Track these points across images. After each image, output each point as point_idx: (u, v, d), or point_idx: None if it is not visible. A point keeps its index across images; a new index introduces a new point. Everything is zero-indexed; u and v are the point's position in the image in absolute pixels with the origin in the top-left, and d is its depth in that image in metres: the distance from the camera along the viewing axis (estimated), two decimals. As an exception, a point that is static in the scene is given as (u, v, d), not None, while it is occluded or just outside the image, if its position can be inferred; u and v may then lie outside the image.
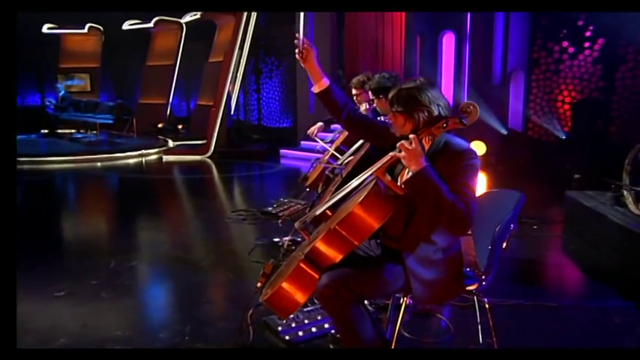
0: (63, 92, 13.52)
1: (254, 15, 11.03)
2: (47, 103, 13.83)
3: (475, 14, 8.40)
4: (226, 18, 11.50)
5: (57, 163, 9.57)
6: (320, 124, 4.24)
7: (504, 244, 2.24)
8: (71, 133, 13.02)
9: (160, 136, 12.39)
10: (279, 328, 2.79)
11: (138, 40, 14.13)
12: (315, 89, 2.34)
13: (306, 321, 2.86)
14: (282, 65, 12.47)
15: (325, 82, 2.32)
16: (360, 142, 3.33)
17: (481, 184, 5.04)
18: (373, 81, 3.28)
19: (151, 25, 13.72)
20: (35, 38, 13.51)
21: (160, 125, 13.05)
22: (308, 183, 3.92)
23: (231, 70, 10.62)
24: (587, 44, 7.68)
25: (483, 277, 2.26)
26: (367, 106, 3.62)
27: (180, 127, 13.42)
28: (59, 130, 12.90)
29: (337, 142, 3.81)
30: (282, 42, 12.11)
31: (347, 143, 3.63)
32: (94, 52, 14.86)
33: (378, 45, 10.44)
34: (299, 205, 5.18)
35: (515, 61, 8.43)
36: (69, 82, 14.63)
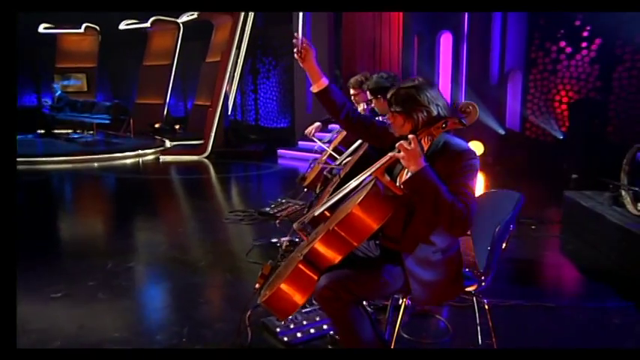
0: (59, 92, 13.47)
1: (251, 15, 11.01)
2: (43, 103, 13.78)
3: (472, 14, 8.40)
4: (223, 18, 11.48)
5: (53, 163, 9.53)
6: (317, 124, 4.23)
7: (504, 245, 2.23)
8: (68, 134, 12.97)
9: (157, 137, 12.35)
10: (278, 330, 2.78)
11: (135, 39, 14.09)
12: (314, 89, 2.33)
13: (304, 322, 2.85)
14: (279, 65, 12.45)
15: (324, 82, 2.31)
16: (359, 142, 3.32)
17: (479, 184, 5.04)
18: (371, 81, 3.27)
19: (147, 24, 13.68)
20: (31, 38, 13.46)
21: (157, 125, 13.01)
22: (306, 183, 3.91)
23: (229, 70, 10.60)
24: (584, 44, 7.69)
25: (483, 277, 2.25)
26: (365, 106, 3.62)
27: (177, 127, 13.38)
28: (56, 131, 12.83)
29: (335, 143, 3.80)
30: (279, 42, 12.09)
31: (345, 143, 3.62)
32: (90, 51, 14.80)
33: (375, 45, 10.44)
34: (297, 206, 5.17)
35: (513, 61, 8.44)
36: (65, 82, 14.57)
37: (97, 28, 14.53)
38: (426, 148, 2.06)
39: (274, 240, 4.42)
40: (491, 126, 8.28)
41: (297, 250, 2.26)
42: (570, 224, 4.85)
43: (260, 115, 13.22)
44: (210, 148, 10.18)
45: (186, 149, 10.85)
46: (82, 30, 14.46)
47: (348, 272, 2.04)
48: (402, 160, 1.96)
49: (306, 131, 4.22)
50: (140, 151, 10.48)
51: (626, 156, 4.21)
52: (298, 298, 2.05)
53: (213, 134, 10.20)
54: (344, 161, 3.34)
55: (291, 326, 2.80)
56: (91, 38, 14.77)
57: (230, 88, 11.15)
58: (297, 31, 2.26)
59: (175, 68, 13.64)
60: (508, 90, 8.58)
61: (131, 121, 12.62)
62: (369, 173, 2.08)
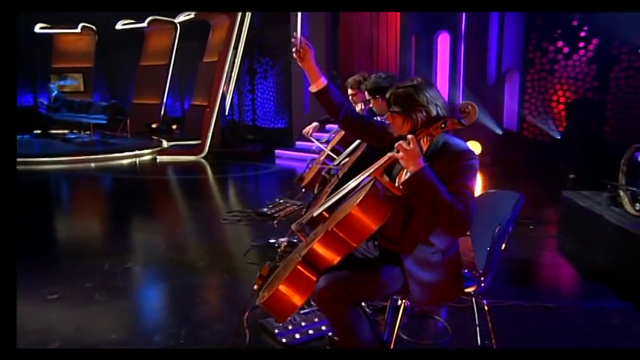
0: (56, 92, 13.42)
1: (248, 15, 11.00)
2: (40, 104, 13.72)
3: (470, 14, 8.41)
4: (220, 18, 11.46)
5: (50, 163, 9.50)
6: (315, 124, 4.22)
7: (503, 246, 2.23)
8: (64, 134, 12.92)
9: (154, 137, 12.32)
10: (276, 331, 2.76)
11: (131, 39, 14.05)
12: (313, 89, 2.32)
13: (303, 323, 2.83)
14: (276, 65, 12.43)
15: (323, 82, 2.30)
16: (357, 142, 3.30)
17: (477, 184, 5.03)
18: (369, 81, 3.26)
19: (144, 24, 13.65)
20: (27, 38, 13.42)
21: (154, 125, 12.98)
22: (304, 184, 3.89)
23: (226, 70, 10.58)
24: (581, 44, 7.71)
25: (482, 278, 2.24)
26: (363, 106, 3.61)
27: (174, 127, 13.36)
28: (52, 131, 12.79)
29: (333, 143, 3.78)
30: (276, 42, 12.08)
31: (343, 143, 3.61)
32: (87, 51, 14.77)
33: (372, 45, 10.44)
34: (295, 206, 5.15)
35: (510, 61, 8.45)
36: (62, 82, 14.53)
37: (94, 28, 14.49)
38: (425, 149, 2.05)
39: (272, 240, 4.41)
40: (489, 126, 8.29)
41: (296, 251, 2.25)
42: (568, 224, 4.85)
43: (257, 115, 13.20)
44: (207, 148, 10.16)
45: (183, 149, 10.82)
46: (78, 30, 14.43)
47: (346, 273, 2.03)
48: (401, 161, 1.95)
49: (303, 131, 4.21)
50: (137, 152, 10.45)
51: (624, 156, 4.21)
52: (297, 300, 2.04)
53: (210, 134, 10.18)
54: (342, 162, 3.33)
55: (290, 327, 2.79)
56: (88, 38, 14.73)
57: (227, 88, 11.13)
58: (296, 31, 2.24)
59: (172, 68, 13.61)
60: (505, 90, 8.59)
61: (128, 121, 12.59)
62: (367, 174, 2.07)
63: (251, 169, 9.35)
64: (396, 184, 2.06)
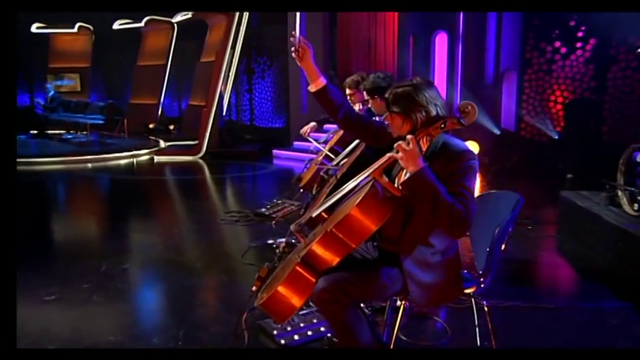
0: (52, 92, 13.37)
1: (246, 15, 10.98)
2: (36, 104, 13.67)
3: (468, 14, 8.41)
4: (218, 18, 11.43)
5: (47, 164, 9.46)
6: (313, 123, 4.21)
7: (503, 246, 2.22)
8: (61, 134, 12.87)
9: (151, 137, 12.29)
10: (275, 332, 2.75)
11: (128, 39, 14.01)
12: (312, 88, 2.30)
13: (301, 324, 2.82)
14: (274, 65, 12.42)
15: (322, 81, 2.28)
16: (355, 142, 3.29)
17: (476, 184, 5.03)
18: (368, 81, 3.25)
19: (141, 24, 13.62)
20: (24, 38, 13.34)
21: (151, 125, 12.95)
22: (302, 184, 3.88)
23: (223, 70, 10.56)
24: (579, 44, 7.71)
25: (482, 279, 2.23)
26: (361, 107, 3.60)
27: (171, 127, 13.33)
28: (49, 131, 12.74)
29: (331, 143, 3.77)
30: (274, 42, 12.06)
31: (341, 144, 3.60)
32: (84, 51, 14.72)
33: (370, 45, 10.44)
34: (293, 207, 5.14)
35: (508, 61, 8.45)
36: (58, 82, 14.47)
37: (91, 27, 14.44)
38: (424, 149, 2.04)
39: (270, 241, 4.40)
40: (487, 126, 8.29)
41: (295, 252, 2.24)
42: (566, 224, 4.85)
43: (255, 115, 13.18)
44: (204, 148, 10.14)
45: (180, 149, 10.79)
46: (75, 30, 14.38)
47: (345, 275, 2.02)
48: (400, 161, 1.94)
49: (301, 131, 4.20)
50: (134, 152, 10.42)
51: (622, 156, 4.21)
52: (296, 301, 2.03)
53: (207, 134, 10.16)
54: (341, 162, 3.32)
55: (288, 328, 2.78)
56: (85, 38, 14.68)
57: (225, 88, 11.10)
58: (295, 30, 2.23)
59: (170, 68, 13.58)
60: (503, 90, 8.59)
61: (125, 121, 12.56)
62: (366, 174, 2.05)
63: (249, 169, 9.34)
64: (396, 185, 2.05)
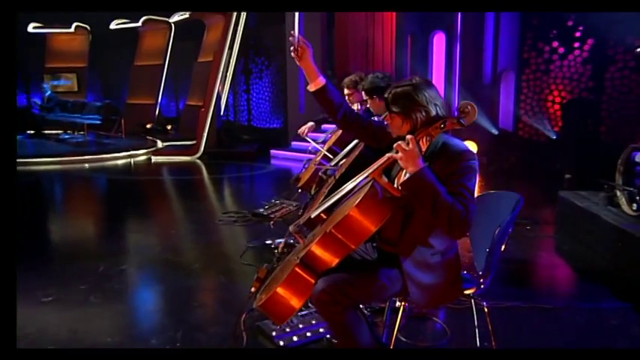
0: (49, 92, 13.33)
1: (243, 15, 10.95)
2: (33, 104, 13.62)
3: (466, 14, 8.41)
4: (215, 18, 11.41)
5: (44, 164, 9.41)
6: (311, 123, 4.21)
7: (503, 247, 2.21)
8: (58, 134, 12.84)
9: (148, 137, 12.26)
10: (273, 333, 2.73)
11: (126, 39, 13.97)
12: (311, 88, 2.29)
13: (300, 325, 2.81)
14: (272, 65, 12.40)
15: (321, 81, 2.27)
16: (354, 143, 3.28)
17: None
18: (367, 81, 3.25)
19: (139, 24, 13.58)
20: (20, 38, 13.28)
21: (148, 126, 12.91)
22: (300, 184, 3.87)
23: (221, 70, 10.54)
24: (576, 44, 7.72)
25: (481, 280, 2.22)
26: (359, 106, 3.60)
27: (169, 127, 13.30)
28: (46, 131, 12.70)
29: (329, 143, 3.76)
30: (271, 42, 12.04)
31: (339, 144, 3.59)
32: (81, 51, 14.67)
33: (368, 45, 10.43)
34: (291, 207, 5.13)
35: (506, 61, 8.46)
36: (55, 82, 14.43)
37: (88, 27, 14.40)
38: (424, 149, 2.03)
39: (268, 242, 4.38)
40: (485, 126, 8.29)
41: (294, 253, 2.22)
42: (565, 224, 4.84)
43: (253, 115, 13.16)
44: (202, 148, 10.11)
45: (178, 150, 10.77)
46: (72, 29, 14.33)
47: (345, 276, 2.01)
48: (400, 161, 1.93)
49: (299, 131, 4.19)
50: (132, 152, 10.39)
51: (621, 156, 4.21)
52: (295, 302, 2.02)
53: (205, 135, 10.13)
54: (340, 162, 3.30)
55: (287, 330, 2.76)
56: (82, 38, 14.64)
57: (222, 88, 11.09)
58: (294, 29, 2.21)
59: (167, 68, 13.55)
60: (501, 90, 8.60)
61: (122, 121, 12.52)
62: (366, 175, 2.04)
63: (247, 169, 9.32)
64: (395, 185, 2.04)
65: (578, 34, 7.66)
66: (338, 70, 10.59)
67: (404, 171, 1.98)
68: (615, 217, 4.07)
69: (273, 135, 12.02)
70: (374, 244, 2.26)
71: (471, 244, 2.43)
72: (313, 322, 2.84)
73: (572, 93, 7.86)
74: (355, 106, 3.56)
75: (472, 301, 2.33)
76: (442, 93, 8.42)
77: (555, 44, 7.94)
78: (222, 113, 11.51)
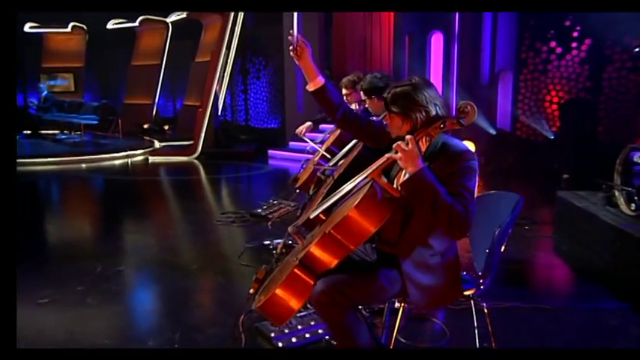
0: (46, 92, 13.27)
1: (241, 15, 10.94)
2: (29, 104, 13.57)
3: (463, 14, 8.41)
4: (213, 17, 11.39)
5: (40, 164, 9.37)
6: (309, 123, 4.20)
7: (502, 248, 2.20)
8: (55, 134, 12.78)
9: (145, 137, 12.22)
10: (272, 335, 2.72)
11: (123, 39, 13.94)
12: (310, 87, 2.28)
13: (299, 327, 2.79)
14: (269, 65, 12.38)
15: (320, 81, 2.25)
16: (352, 143, 3.27)
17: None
18: (365, 81, 3.24)
19: (136, 24, 13.55)
20: (17, 37, 13.25)
21: (145, 126, 12.87)
22: (298, 184, 3.86)
23: (218, 70, 10.52)
24: (574, 44, 7.72)
25: (481, 281, 2.21)
26: (357, 106, 3.59)
27: (166, 127, 13.27)
28: (42, 131, 12.65)
29: (327, 143, 3.75)
30: (269, 42, 12.02)
31: (338, 144, 3.58)
32: (77, 51, 14.62)
33: (366, 45, 10.42)
34: (289, 207, 5.12)
35: (504, 61, 8.46)
36: (52, 82, 14.38)
37: (84, 27, 14.36)
38: (424, 149, 2.02)
39: (266, 242, 4.37)
40: (483, 126, 8.29)
41: (292, 254, 2.21)
42: (563, 224, 4.84)
43: (250, 115, 13.14)
44: (200, 148, 10.09)
45: (175, 150, 10.75)
46: (68, 29, 14.29)
47: (344, 277, 2.00)
48: (399, 162, 1.92)
49: (296, 130, 4.18)
50: (129, 152, 10.36)
51: (619, 156, 4.21)
52: (294, 304, 2.00)
53: (203, 135, 10.11)
54: (338, 163, 3.29)
55: (286, 331, 2.75)
56: (78, 37, 14.59)
57: (220, 88, 11.07)
58: (293, 29, 2.20)
59: (164, 68, 13.51)
60: (499, 90, 8.60)
61: (119, 121, 12.48)
62: (365, 175, 2.03)
63: (244, 169, 9.30)
64: (395, 186, 2.03)
65: (575, 34, 7.67)
66: (336, 69, 10.57)
67: (403, 171, 1.97)
68: (614, 217, 4.07)
69: (271, 135, 12.00)
70: (373, 245, 2.25)
71: (471, 244, 2.42)
72: (312, 323, 2.83)
73: (570, 93, 7.87)
74: (353, 106, 3.55)
75: (472, 302, 2.32)
76: (440, 93, 8.52)
77: (553, 44, 7.94)
78: (219, 113, 11.49)
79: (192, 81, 12.35)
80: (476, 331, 2.47)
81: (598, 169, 4.64)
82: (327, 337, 2.69)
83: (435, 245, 2.05)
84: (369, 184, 1.97)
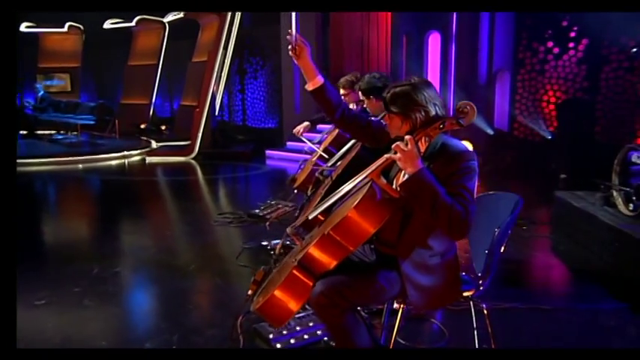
0: (42, 92, 13.23)
1: (238, 15, 10.92)
2: (26, 104, 13.52)
3: (461, 14, 8.41)
4: (210, 17, 11.37)
5: (37, 165, 9.33)
6: (306, 123, 4.19)
7: (502, 248, 2.19)
8: (51, 135, 12.75)
9: (142, 137, 12.20)
10: (271, 336, 2.71)
11: (119, 39, 13.90)
12: (309, 87, 2.26)
13: (297, 328, 2.78)
14: (266, 65, 12.37)
15: (319, 80, 2.24)
16: (350, 143, 3.26)
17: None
18: (363, 81, 3.24)
19: (132, 24, 13.52)
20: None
21: (142, 126, 12.86)
22: (296, 185, 3.85)
23: (216, 69, 10.50)
24: (571, 45, 7.74)
25: (480, 282, 2.21)
26: (355, 107, 3.58)
27: (163, 127, 13.24)
28: (39, 132, 12.60)
29: (325, 143, 3.74)
30: (266, 42, 12.01)
31: (336, 144, 3.57)
32: (74, 51, 14.58)
33: (363, 45, 10.41)
34: (287, 208, 5.10)
35: (501, 61, 8.46)
36: (48, 82, 14.34)
37: (81, 27, 14.32)
38: (423, 149, 2.01)
39: (264, 243, 4.36)
40: (480, 126, 8.29)
41: (291, 255, 2.20)
42: (561, 225, 4.84)
43: (247, 115, 13.12)
44: (197, 149, 10.07)
45: (172, 150, 10.72)
46: (65, 29, 14.25)
47: (343, 278, 1.99)
48: (398, 162, 1.91)
49: (294, 130, 4.17)
50: (126, 153, 10.32)
51: (617, 157, 4.22)
52: (293, 305, 1.99)
53: (200, 135, 10.09)
54: (337, 163, 3.28)
55: (284, 332, 2.74)
56: (75, 37, 14.55)
57: (217, 88, 11.04)
58: (291, 28, 2.19)
59: (161, 68, 13.49)
60: (496, 90, 8.61)
61: (116, 121, 12.45)
62: (364, 175, 2.02)
63: (242, 169, 9.28)
64: (394, 186, 2.02)
65: (572, 35, 7.68)
66: (333, 70, 10.55)
67: (402, 172, 1.96)
68: (612, 217, 4.07)
69: (269, 135, 11.99)
70: (372, 246, 2.24)
71: (470, 245, 2.41)
72: (311, 324, 2.82)
73: (567, 93, 7.88)
74: (351, 106, 3.54)
75: (471, 302, 2.31)
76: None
77: (550, 44, 7.95)
78: (216, 113, 11.47)
79: (190, 81, 12.32)
80: (475, 332, 2.46)
81: (595, 169, 4.64)
82: (325, 338, 2.68)
83: (434, 246, 2.04)
84: (368, 184, 1.96)
